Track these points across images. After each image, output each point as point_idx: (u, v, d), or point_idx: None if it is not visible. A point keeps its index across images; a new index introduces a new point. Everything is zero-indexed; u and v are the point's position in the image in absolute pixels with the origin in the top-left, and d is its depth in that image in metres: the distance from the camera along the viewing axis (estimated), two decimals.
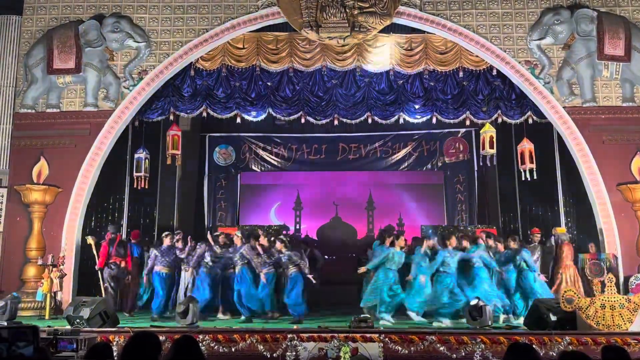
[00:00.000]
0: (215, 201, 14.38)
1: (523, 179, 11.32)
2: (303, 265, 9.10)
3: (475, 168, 14.02)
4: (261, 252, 9.25)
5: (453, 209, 14.34)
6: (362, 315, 7.74)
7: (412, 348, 6.84)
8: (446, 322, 8.55)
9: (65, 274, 9.63)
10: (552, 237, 10.43)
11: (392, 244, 9.12)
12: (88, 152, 10.35)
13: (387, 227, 13.40)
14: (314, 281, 9.21)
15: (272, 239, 9.70)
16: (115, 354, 3.63)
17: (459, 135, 14.28)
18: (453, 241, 9.13)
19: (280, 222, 13.83)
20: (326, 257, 13.42)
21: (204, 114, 11.19)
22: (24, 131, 10.51)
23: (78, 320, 7.53)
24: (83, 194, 10.29)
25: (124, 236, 11.11)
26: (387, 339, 6.87)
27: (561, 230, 10.63)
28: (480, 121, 11.31)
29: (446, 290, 8.73)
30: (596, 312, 7.28)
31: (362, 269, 9.37)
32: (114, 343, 6.88)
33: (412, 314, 8.83)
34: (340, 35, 10.42)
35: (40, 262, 9.66)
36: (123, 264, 9.83)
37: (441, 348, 6.84)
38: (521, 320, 8.56)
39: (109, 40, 10.65)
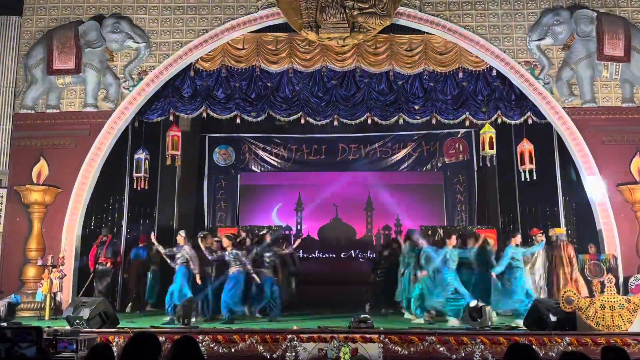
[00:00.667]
0: (215, 201, 14.39)
1: (523, 179, 11.33)
2: (249, 265, 9.10)
3: (475, 168, 14.04)
4: (204, 251, 9.23)
5: (453, 210, 14.35)
6: (361, 316, 7.74)
7: (411, 349, 6.84)
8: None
9: (65, 275, 9.63)
10: (556, 237, 10.28)
11: (444, 243, 9.19)
12: (88, 153, 10.35)
13: (384, 227, 13.51)
14: (258, 280, 9.20)
15: (218, 237, 9.75)
16: (115, 354, 3.62)
17: (459, 135, 14.29)
18: (518, 239, 9.19)
19: (281, 222, 13.87)
20: (326, 255, 13.50)
21: (204, 115, 11.19)
22: (23, 132, 10.51)
23: (78, 321, 7.53)
24: (83, 194, 10.29)
25: (122, 237, 11.21)
26: (386, 340, 6.87)
27: (560, 230, 10.61)
28: (479, 122, 11.33)
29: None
30: (596, 312, 7.28)
31: (422, 273, 9.14)
32: (114, 344, 6.88)
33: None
34: (340, 35, 10.42)
35: (40, 262, 9.65)
36: (109, 265, 10.16)
37: (441, 349, 6.84)
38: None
39: (109, 41, 10.65)
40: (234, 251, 9.13)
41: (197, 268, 9.03)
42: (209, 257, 9.22)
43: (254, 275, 9.16)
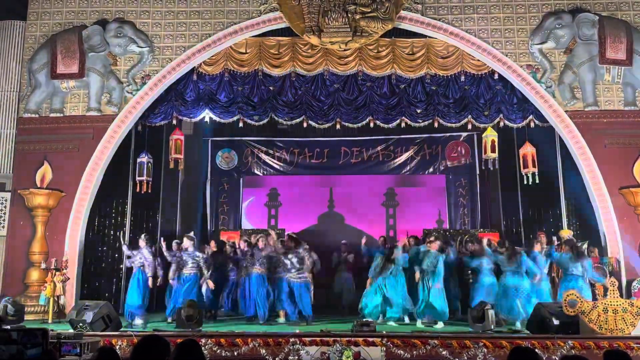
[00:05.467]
0: (217, 205, 14.41)
1: (525, 182, 11.33)
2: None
3: (477, 172, 14.03)
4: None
5: (455, 213, 14.34)
6: (364, 319, 7.75)
7: (414, 352, 6.84)
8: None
9: (69, 278, 9.66)
10: (565, 239, 10.12)
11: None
12: (91, 157, 10.40)
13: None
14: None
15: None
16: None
17: (461, 139, 14.28)
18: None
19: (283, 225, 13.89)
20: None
21: (207, 118, 11.23)
22: (27, 136, 10.56)
23: (81, 324, 7.56)
24: (86, 198, 10.33)
25: (126, 240, 11.25)
26: (389, 343, 6.87)
27: (567, 232, 10.55)
28: (482, 125, 11.32)
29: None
30: (599, 316, 7.27)
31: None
32: (117, 347, 6.91)
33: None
34: (342, 39, 10.47)
35: (43, 266, 9.69)
36: None
37: (443, 352, 6.84)
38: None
39: (112, 45, 10.71)
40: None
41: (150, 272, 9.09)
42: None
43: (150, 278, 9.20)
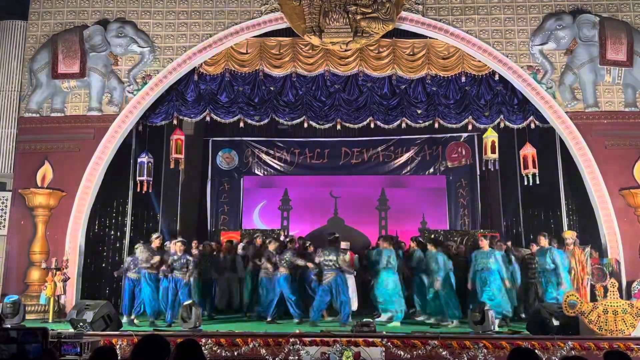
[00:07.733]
0: (218, 205, 14.43)
1: (525, 183, 11.34)
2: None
3: (478, 172, 14.05)
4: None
5: (456, 214, 14.35)
6: (364, 320, 7.75)
7: (414, 352, 6.84)
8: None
9: (69, 278, 9.67)
10: (572, 241, 9.90)
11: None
12: (92, 156, 10.41)
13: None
14: None
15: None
16: (119, 358, 3.64)
17: (462, 140, 14.31)
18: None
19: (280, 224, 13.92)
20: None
21: (207, 119, 11.26)
22: (28, 135, 10.57)
23: (81, 324, 7.56)
24: (87, 197, 10.34)
25: (126, 240, 11.27)
26: (389, 344, 6.87)
27: (570, 232, 10.48)
28: (482, 126, 11.34)
29: None
30: (599, 317, 7.27)
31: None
32: (117, 346, 6.91)
33: None
34: (343, 40, 10.48)
35: (44, 265, 9.70)
36: None
37: (443, 352, 6.84)
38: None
39: (113, 45, 10.72)
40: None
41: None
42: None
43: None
